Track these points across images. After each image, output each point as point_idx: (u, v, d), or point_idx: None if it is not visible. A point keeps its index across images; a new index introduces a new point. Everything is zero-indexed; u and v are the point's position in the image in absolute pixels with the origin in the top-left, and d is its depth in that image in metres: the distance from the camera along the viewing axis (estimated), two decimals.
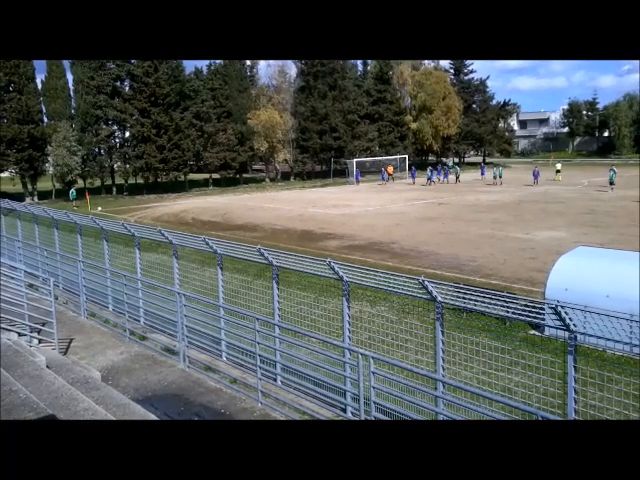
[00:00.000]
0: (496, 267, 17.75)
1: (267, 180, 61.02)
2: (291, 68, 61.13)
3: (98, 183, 52.13)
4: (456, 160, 72.77)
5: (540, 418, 5.61)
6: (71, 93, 50.99)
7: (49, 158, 47.31)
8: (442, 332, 7.07)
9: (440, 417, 6.95)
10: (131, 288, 12.15)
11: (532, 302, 6.67)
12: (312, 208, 35.92)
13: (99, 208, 39.25)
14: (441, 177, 51.99)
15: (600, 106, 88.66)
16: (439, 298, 6.90)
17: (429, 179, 49.60)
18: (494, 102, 76.92)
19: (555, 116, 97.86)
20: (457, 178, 50.53)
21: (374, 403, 7.29)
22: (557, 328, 6.04)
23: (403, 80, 66.80)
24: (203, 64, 61.90)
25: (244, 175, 59.79)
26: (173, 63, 53.19)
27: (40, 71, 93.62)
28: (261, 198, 44.52)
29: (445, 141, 69.14)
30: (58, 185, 49.18)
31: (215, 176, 56.68)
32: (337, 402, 8.14)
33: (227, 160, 54.33)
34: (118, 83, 52.13)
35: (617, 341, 5.79)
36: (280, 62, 59.28)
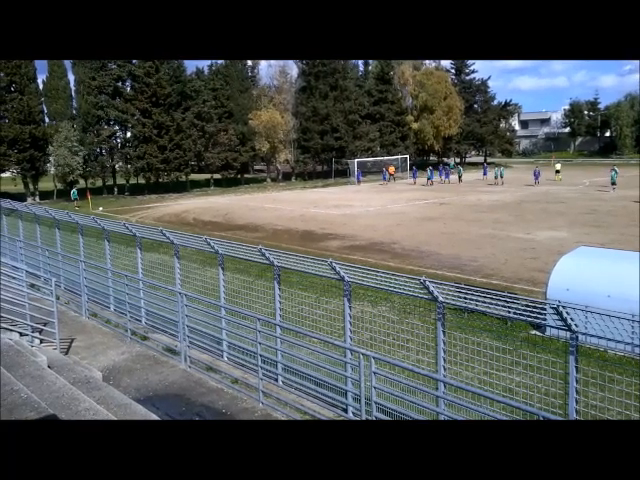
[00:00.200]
0: (497, 267, 17.73)
1: (268, 180, 61.04)
2: (292, 68, 61.26)
3: (99, 183, 52.20)
4: (457, 160, 72.69)
5: (541, 418, 5.60)
6: (72, 93, 51.04)
7: (50, 158, 47.37)
8: (443, 332, 7.06)
9: (441, 417, 6.95)
10: (132, 288, 12.18)
11: (533, 302, 6.66)
12: (313, 208, 35.91)
13: (100, 208, 39.29)
14: (443, 177, 52.16)
15: (601, 106, 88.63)
16: (440, 298, 6.89)
17: (429, 179, 49.74)
18: (495, 102, 76.86)
19: (556, 116, 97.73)
20: (460, 178, 50.70)
21: (375, 403, 7.30)
22: (558, 328, 6.04)
23: (404, 80, 66.75)
24: (204, 64, 62.16)
25: (245, 175, 59.86)
26: (174, 63, 53.31)
27: (41, 71, 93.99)
28: (262, 198, 44.51)
29: (446, 141, 69.11)
30: (60, 185, 49.26)
31: (216, 176, 56.75)
32: (338, 402, 8.14)
33: (228, 160, 54.39)
34: (119, 83, 52.17)
35: (618, 341, 5.79)
36: (281, 62, 59.45)
